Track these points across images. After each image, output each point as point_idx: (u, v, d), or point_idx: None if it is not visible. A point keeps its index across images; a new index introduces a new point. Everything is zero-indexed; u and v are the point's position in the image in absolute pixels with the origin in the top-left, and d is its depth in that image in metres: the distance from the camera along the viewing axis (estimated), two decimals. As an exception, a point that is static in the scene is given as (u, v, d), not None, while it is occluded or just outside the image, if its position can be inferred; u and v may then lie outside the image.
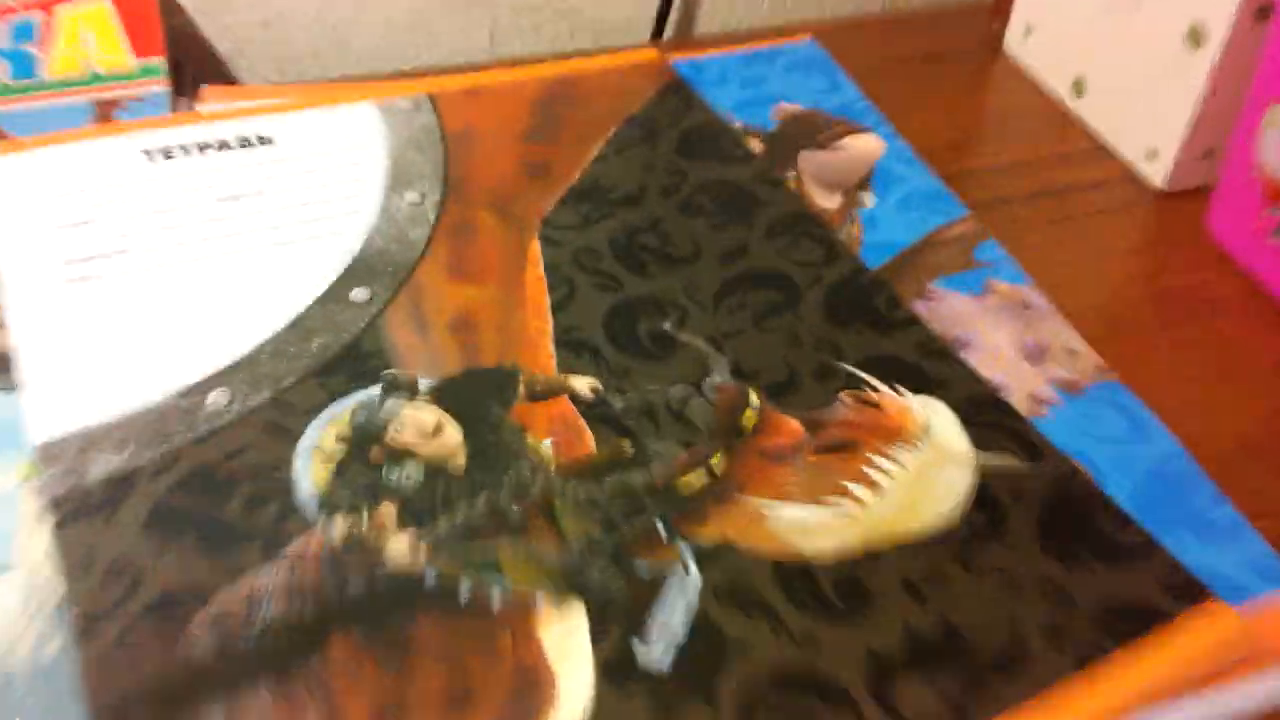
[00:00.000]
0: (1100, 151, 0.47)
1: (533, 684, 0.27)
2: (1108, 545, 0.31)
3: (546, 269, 0.39)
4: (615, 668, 0.27)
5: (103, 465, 0.30)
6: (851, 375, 0.35)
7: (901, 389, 0.35)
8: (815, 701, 0.27)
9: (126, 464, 0.31)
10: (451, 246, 0.39)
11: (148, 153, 0.42)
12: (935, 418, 0.34)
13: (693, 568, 0.30)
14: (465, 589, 0.29)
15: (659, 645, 0.28)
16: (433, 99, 0.46)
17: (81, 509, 0.29)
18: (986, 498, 0.32)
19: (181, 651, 0.27)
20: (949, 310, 0.38)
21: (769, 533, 0.31)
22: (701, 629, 0.28)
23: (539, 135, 0.45)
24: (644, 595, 0.29)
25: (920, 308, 0.38)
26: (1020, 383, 0.36)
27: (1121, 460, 0.33)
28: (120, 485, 0.30)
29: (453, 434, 0.32)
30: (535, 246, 0.40)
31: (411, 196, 0.41)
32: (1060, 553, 0.31)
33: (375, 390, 0.33)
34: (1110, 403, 0.35)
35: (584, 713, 0.27)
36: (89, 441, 0.31)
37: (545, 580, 0.29)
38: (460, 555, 0.29)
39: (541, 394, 0.34)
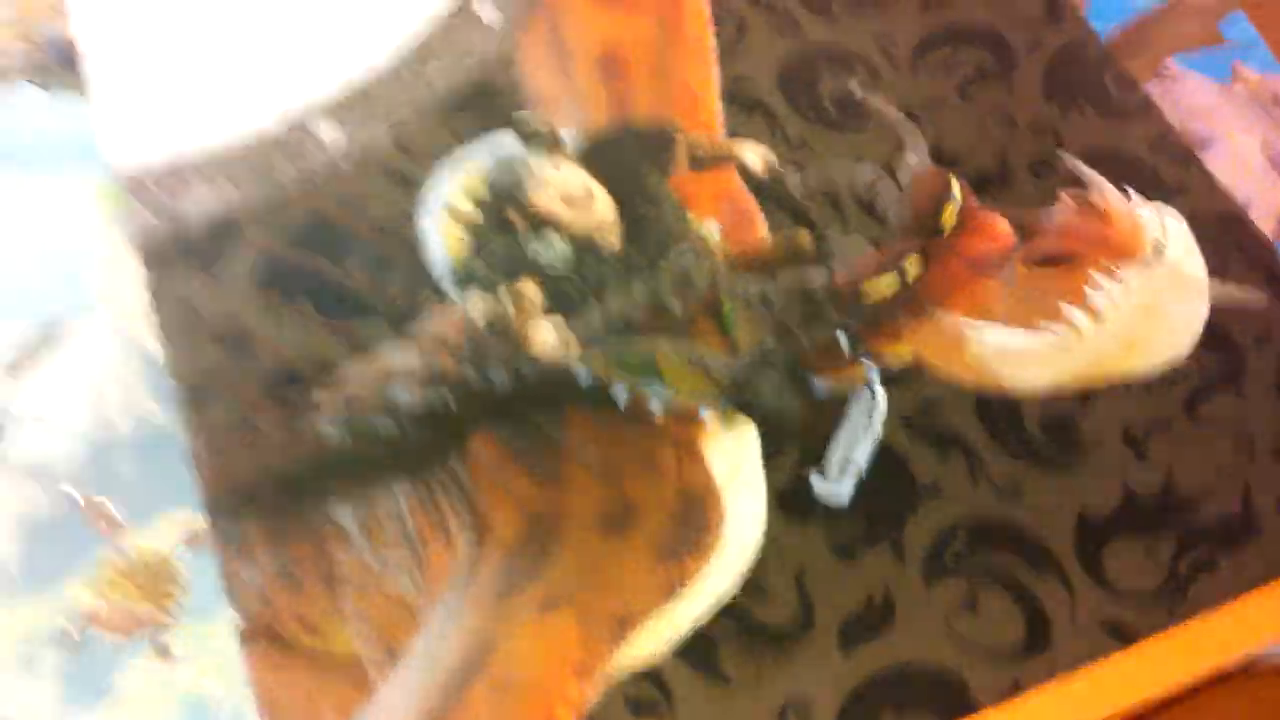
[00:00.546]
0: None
1: (699, 508, 0.24)
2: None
3: (713, -1, 0.32)
4: (790, 497, 0.24)
5: (201, 205, 0.26)
6: (1076, 171, 0.29)
7: (1133, 194, 0.29)
8: (1014, 559, 0.24)
9: (229, 206, 0.26)
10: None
11: None
12: (1171, 234, 0.28)
13: (879, 390, 0.25)
14: (623, 393, 0.25)
15: (840, 476, 0.24)
16: None
17: (179, 255, 0.25)
18: (1222, 337, 0.27)
19: (308, 435, 0.23)
20: (1188, 98, 0.32)
21: (971, 357, 0.26)
22: (888, 463, 0.25)
23: None
24: (823, 417, 0.25)
25: (1154, 90, 0.31)
26: (1268, 198, 0.30)
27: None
28: (224, 231, 0.25)
29: (603, 202, 0.27)
30: None
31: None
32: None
33: (510, 139, 0.28)
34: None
35: (755, 544, 0.23)
36: (181, 174, 0.26)
37: (712, 392, 0.25)
38: (615, 354, 0.25)
39: (706, 161, 0.29)
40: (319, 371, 0.24)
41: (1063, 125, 0.30)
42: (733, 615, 0.23)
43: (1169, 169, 0.30)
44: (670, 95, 0.30)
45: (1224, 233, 0.29)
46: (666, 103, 0.30)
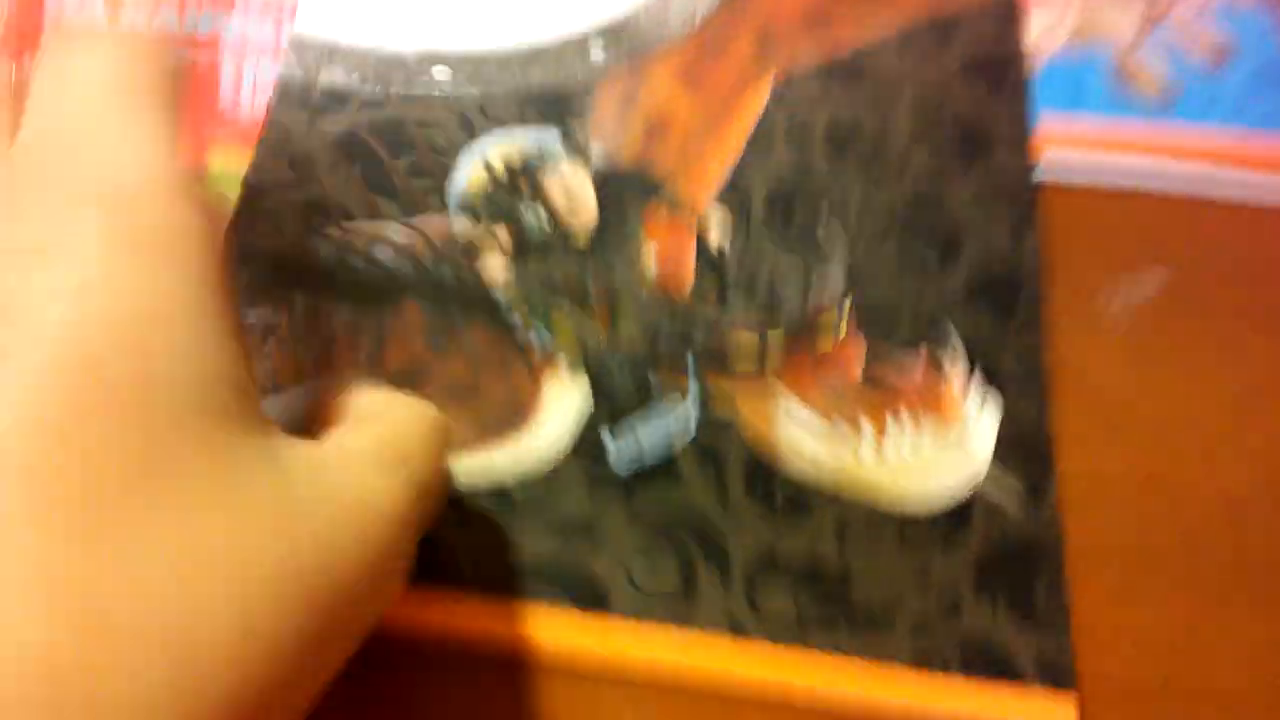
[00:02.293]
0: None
1: (522, 416, 0.33)
2: (1026, 600, 0.32)
3: (761, 119, 0.41)
4: (584, 441, 0.33)
5: (331, 77, 0.37)
6: (947, 340, 0.37)
7: (975, 374, 0.36)
8: (698, 547, 0.32)
9: (348, 85, 0.37)
10: (697, 52, 0.42)
11: None
12: (984, 413, 0.35)
13: (694, 408, 0.34)
14: (518, 319, 0.34)
15: (624, 443, 0.33)
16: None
17: (298, 101, 0.37)
18: (966, 502, 0.34)
19: (311, 245, 0.34)
20: None
21: (772, 416, 0.34)
22: (662, 462, 0.33)
23: (841, -13, 0.46)
24: (642, 397, 0.34)
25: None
26: None
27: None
28: (336, 99, 0.37)
29: (589, 208, 0.37)
30: (767, 85, 0.42)
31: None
32: (982, 580, 0.33)
33: (556, 136, 0.38)
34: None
35: (548, 456, 0.33)
36: (330, 53, 0.38)
37: (575, 350, 0.34)
38: (530, 294, 0.35)
39: (678, 214, 0.38)
40: (340, 216, 0.35)
41: (963, 310, 0.37)
42: (497, 490, 0.32)
43: (1021, 386, 0.37)
44: (686, 164, 0.39)
45: (1023, 442, 0.36)
46: (681, 169, 0.39)
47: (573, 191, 0.37)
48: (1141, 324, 0.39)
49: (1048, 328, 0.38)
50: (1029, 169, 0.41)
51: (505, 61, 0.40)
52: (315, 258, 0.34)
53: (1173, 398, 0.37)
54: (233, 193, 0.34)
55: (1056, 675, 0.32)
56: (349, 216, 0.35)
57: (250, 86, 0.36)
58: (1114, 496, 0.35)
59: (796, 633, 0.31)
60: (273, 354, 0.33)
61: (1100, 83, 0.44)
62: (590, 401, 0.34)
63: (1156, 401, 0.37)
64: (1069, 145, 0.43)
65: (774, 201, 0.39)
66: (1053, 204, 0.42)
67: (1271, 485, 0.36)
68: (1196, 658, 0.33)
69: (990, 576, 0.33)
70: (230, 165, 0.35)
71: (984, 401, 0.36)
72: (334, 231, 0.35)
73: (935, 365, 0.36)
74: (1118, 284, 0.40)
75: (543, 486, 0.32)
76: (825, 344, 0.36)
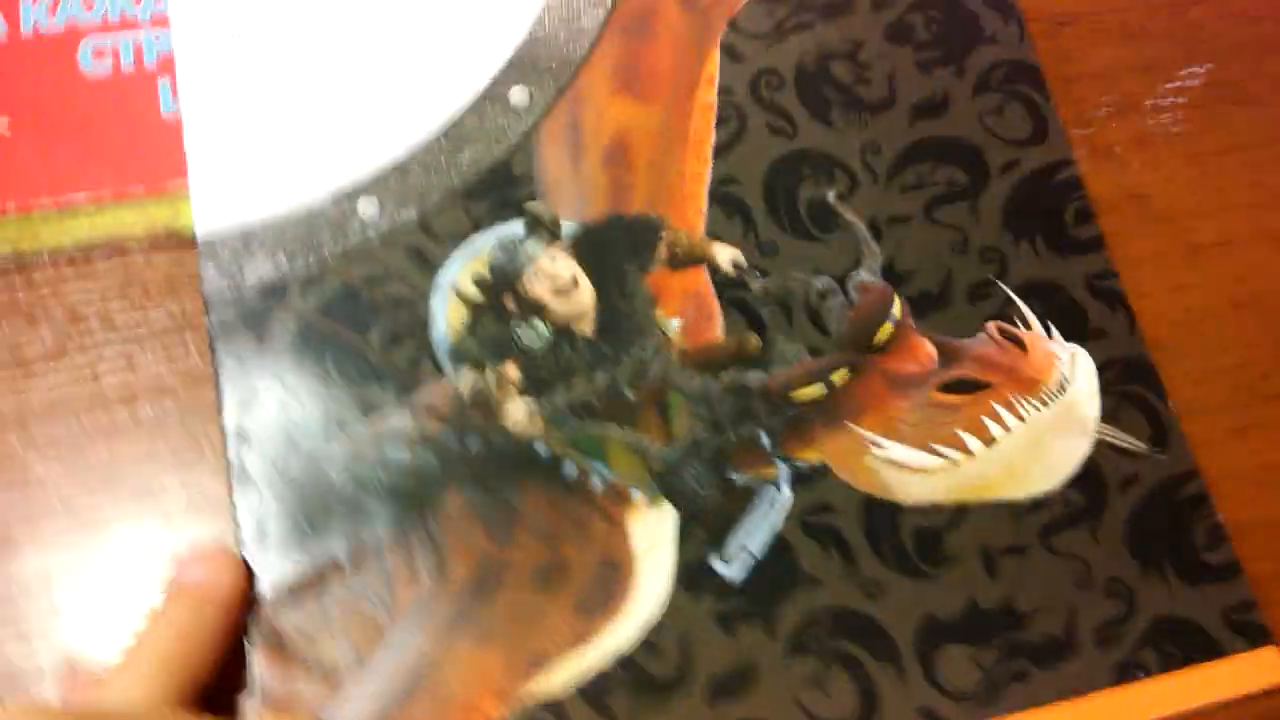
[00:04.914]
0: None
1: (616, 575, 0.30)
2: (1192, 561, 0.31)
3: (721, 92, 0.35)
4: (692, 572, 0.30)
5: (256, 271, 0.32)
6: (1009, 301, 0.33)
7: (1054, 332, 0.33)
8: (862, 649, 0.30)
9: (277, 271, 0.32)
10: (624, 44, 0.36)
11: None
12: (1078, 375, 0.32)
13: (786, 491, 0.31)
14: (572, 470, 0.31)
15: (737, 560, 0.30)
16: None
17: (235, 320, 0.31)
18: (1094, 476, 0.31)
19: (322, 477, 0.30)
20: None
21: (869, 467, 0.31)
22: (780, 552, 0.30)
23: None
24: (733, 506, 0.31)
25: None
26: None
27: None
28: (271, 293, 0.31)
29: (586, 292, 0.33)
30: (715, 58, 0.36)
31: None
32: (1143, 555, 0.31)
33: (518, 227, 0.33)
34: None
35: (657, 610, 0.30)
36: (246, 242, 0.32)
37: (645, 476, 0.31)
38: (571, 434, 0.31)
39: (682, 260, 0.33)
40: (336, 428, 0.30)
41: (1012, 254, 0.34)
42: (627, 665, 0.29)
43: (1100, 309, 0.33)
44: (664, 188, 0.34)
45: (1128, 377, 0.33)
46: (660, 195, 0.34)
47: (559, 281, 0.32)
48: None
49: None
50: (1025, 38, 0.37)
51: (428, 158, 0.34)
52: (331, 488, 0.30)
53: None
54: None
55: (1250, 630, 0.30)
56: (344, 424, 0.31)
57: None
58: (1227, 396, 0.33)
59: (991, 699, 0.29)
60: (336, 615, 0.29)
61: None
62: (681, 526, 0.30)
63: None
64: None
65: (772, 191, 0.34)
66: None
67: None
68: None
69: (1147, 545, 0.31)
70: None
71: (1074, 359, 0.32)
72: (335, 449, 0.30)
73: (1011, 339, 0.33)
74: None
75: (669, 646, 0.29)
76: (892, 361, 0.32)
